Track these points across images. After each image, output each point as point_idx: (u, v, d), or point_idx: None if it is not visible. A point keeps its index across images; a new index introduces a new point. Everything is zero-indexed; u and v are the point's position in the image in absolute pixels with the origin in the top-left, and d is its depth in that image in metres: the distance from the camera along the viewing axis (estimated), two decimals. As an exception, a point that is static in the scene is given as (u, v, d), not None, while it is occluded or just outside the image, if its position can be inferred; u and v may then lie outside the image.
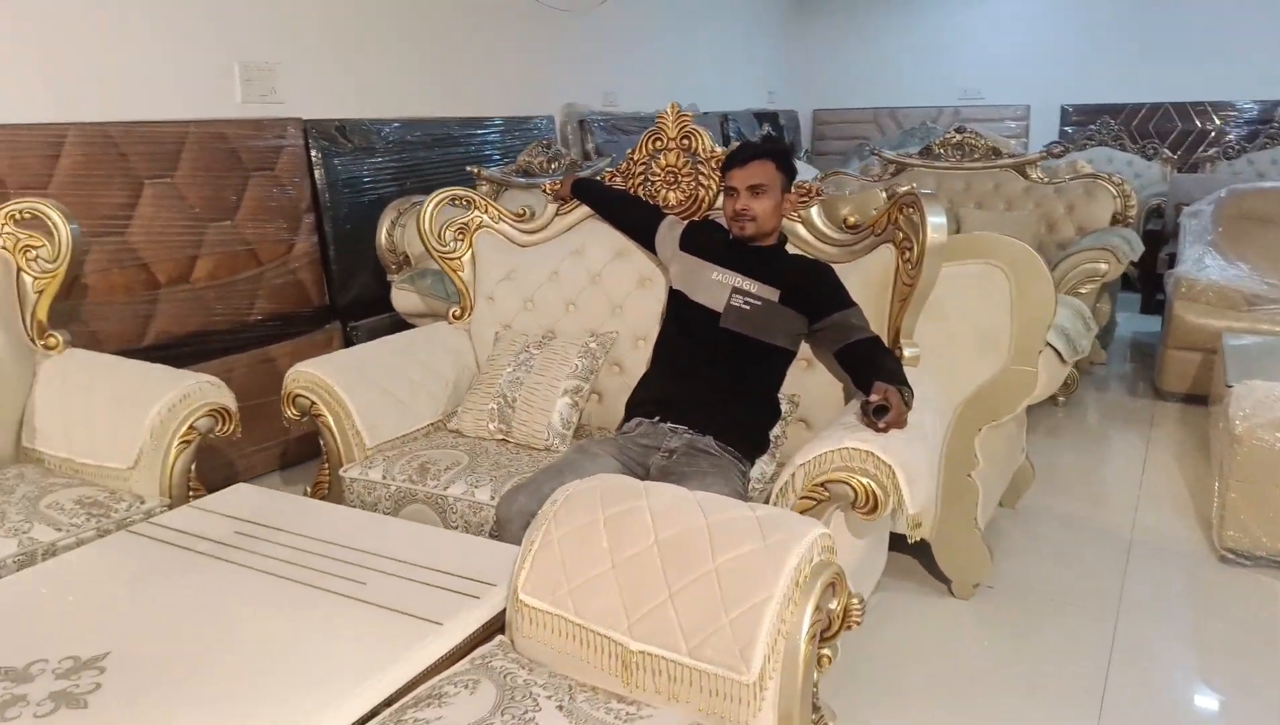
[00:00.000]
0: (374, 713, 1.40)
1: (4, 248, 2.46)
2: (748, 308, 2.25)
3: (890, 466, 1.82)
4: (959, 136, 4.99)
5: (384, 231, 3.76)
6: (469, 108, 4.59)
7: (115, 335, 3.06)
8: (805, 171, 6.48)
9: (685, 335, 2.32)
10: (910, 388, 2.01)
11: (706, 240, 2.40)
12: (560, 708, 1.37)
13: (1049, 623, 2.52)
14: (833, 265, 2.43)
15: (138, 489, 2.24)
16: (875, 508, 1.82)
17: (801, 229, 2.50)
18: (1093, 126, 7.24)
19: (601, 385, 2.62)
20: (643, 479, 2.05)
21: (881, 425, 1.87)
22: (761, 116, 7.73)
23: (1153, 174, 6.81)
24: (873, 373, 2.08)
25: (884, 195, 2.43)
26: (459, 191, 2.87)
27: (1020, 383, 2.42)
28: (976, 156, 4.90)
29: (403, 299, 3.62)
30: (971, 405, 2.46)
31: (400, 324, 3.72)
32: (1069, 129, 7.75)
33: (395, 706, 1.40)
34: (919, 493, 1.86)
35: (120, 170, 3.04)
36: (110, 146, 3.01)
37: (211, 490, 2.24)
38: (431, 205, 2.82)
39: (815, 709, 1.47)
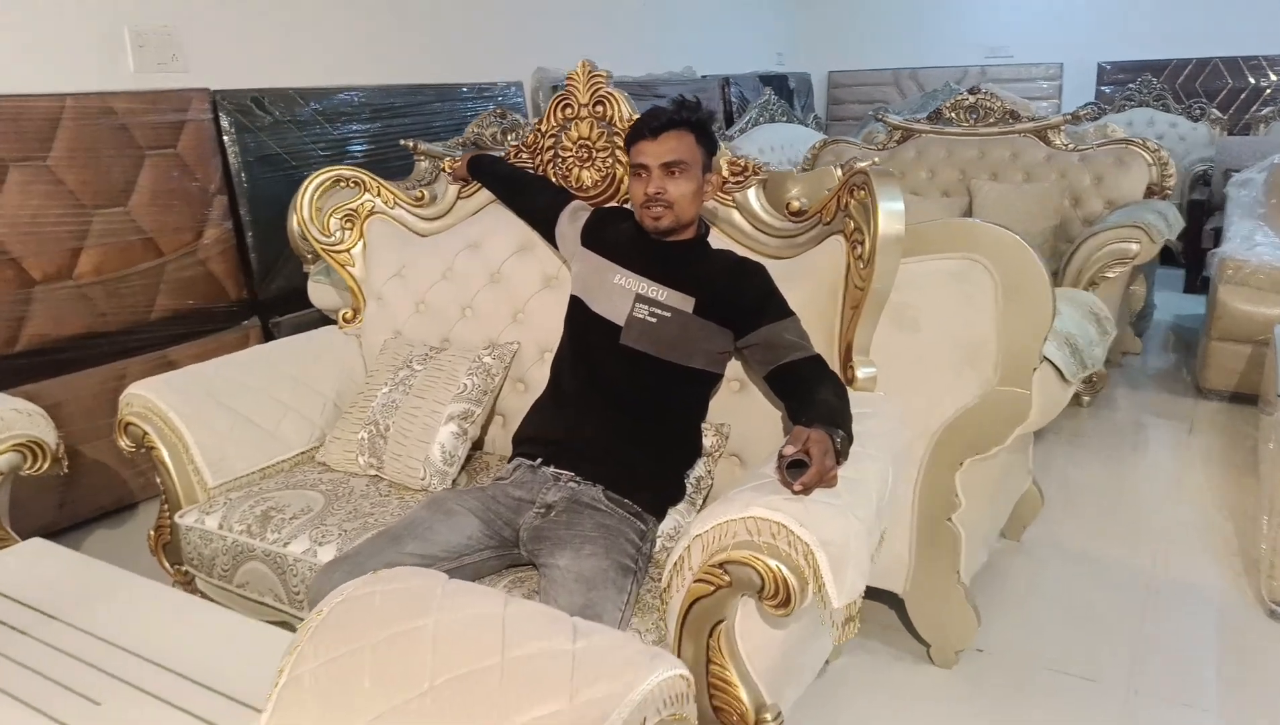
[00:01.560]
0: None
1: None
2: (654, 320, 1.78)
3: (808, 545, 1.36)
4: (972, 98, 4.44)
5: (295, 216, 3.32)
6: (419, 73, 4.12)
7: (-25, 341, 2.68)
8: (809, 138, 5.98)
9: (580, 354, 1.86)
10: (847, 431, 1.54)
11: (612, 233, 1.93)
12: None
13: (1049, 698, 2.05)
14: (773, 261, 1.96)
15: (-78, 541, 1.85)
16: (788, 600, 1.36)
17: (737, 215, 2.02)
18: (1132, 86, 6.59)
19: (505, 406, 2.18)
20: (512, 543, 1.64)
21: (797, 487, 1.40)
22: (768, 80, 7.16)
23: (1199, 137, 6.18)
24: (800, 407, 1.62)
25: (838, 172, 1.95)
26: (344, 171, 2.42)
27: (1010, 408, 1.93)
28: (992, 120, 4.35)
29: (320, 294, 3.18)
30: (950, 436, 1.98)
31: (325, 320, 3.30)
32: (1106, 88, 7.10)
33: None
34: (848, 579, 1.39)
35: (-28, 152, 2.64)
36: (-43, 124, 2.60)
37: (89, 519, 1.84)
38: (310, 189, 2.38)
39: None
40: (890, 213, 1.72)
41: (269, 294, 3.50)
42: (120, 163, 2.98)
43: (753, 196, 2.01)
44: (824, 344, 1.88)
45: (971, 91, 4.49)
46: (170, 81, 3.17)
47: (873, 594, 2.27)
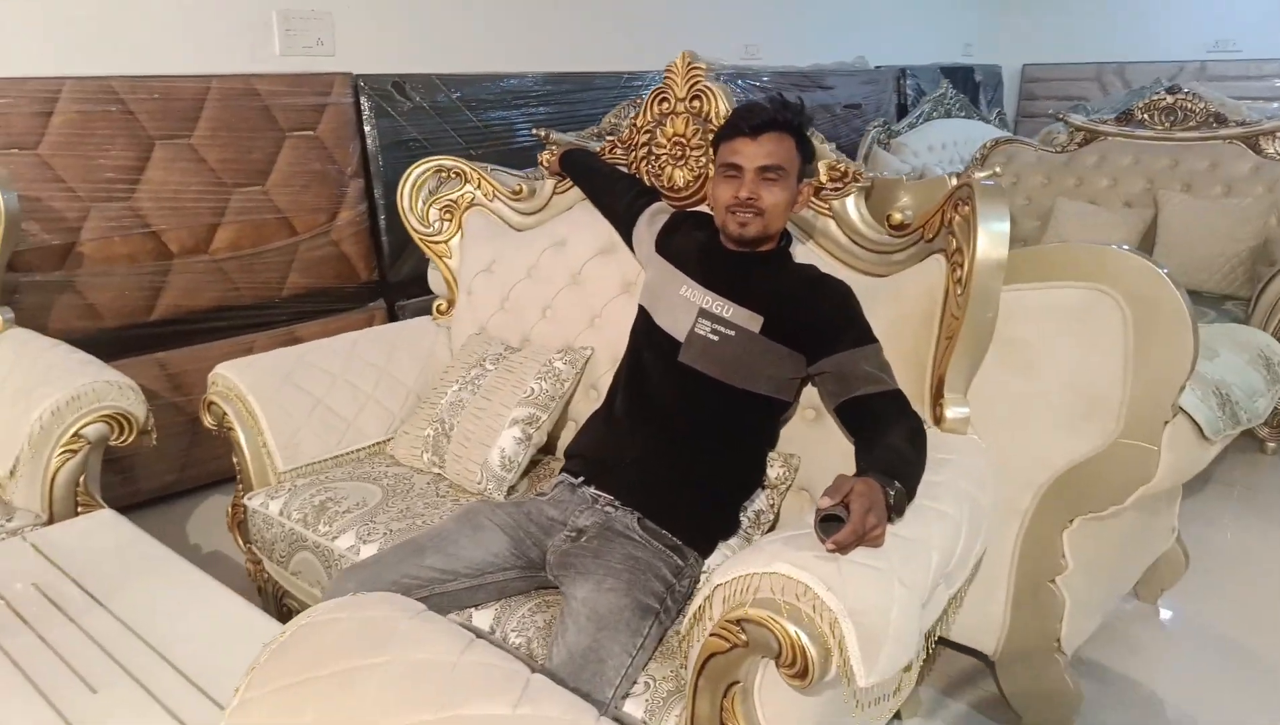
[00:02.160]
0: None
1: (-64, 216, 2.23)
2: (715, 338, 1.63)
3: (834, 613, 1.19)
4: (1170, 99, 3.97)
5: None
6: (564, 61, 4.08)
7: (116, 308, 2.84)
8: (986, 136, 5.55)
9: (636, 369, 1.73)
10: (908, 483, 1.35)
11: (685, 240, 1.78)
12: None
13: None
14: (866, 277, 1.77)
15: (17, 500, 1.96)
16: (806, 671, 1.20)
17: (833, 226, 1.84)
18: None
19: (577, 412, 2.09)
20: (540, 565, 1.55)
21: (829, 545, 1.23)
22: (951, 72, 6.72)
23: None
24: (862, 450, 1.44)
25: (952, 183, 1.72)
26: (445, 161, 2.39)
27: (1133, 464, 1.67)
28: (1192, 124, 3.88)
29: (437, 281, 3.19)
30: (1059, 490, 1.74)
31: (446, 306, 3.31)
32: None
33: None
34: (883, 657, 1.21)
35: (125, 129, 2.78)
36: (113, 102, 2.75)
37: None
38: (412, 178, 2.37)
39: None
40: (992, 234, 1.49)
41: (398, 277, 3.55)
42: (261, 143, 3.09)
43: (851, 205, 1.83)
44: (913, 377, 1.68)
45: (1170, 91, 4.02)
46: (314, 65, 3.26)
47: (966, 650, 2.04)
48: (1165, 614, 2.34)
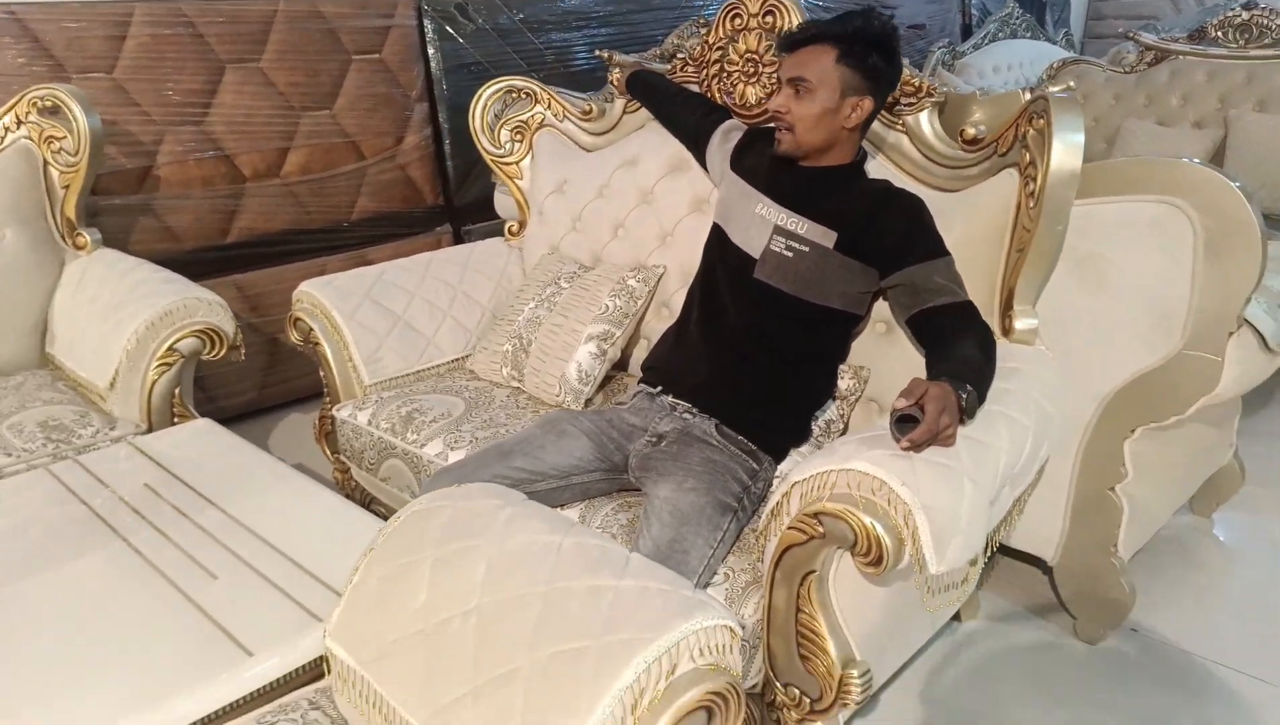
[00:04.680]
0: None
1: (28, 138, 2.33)
2: (790, 255, 1.67)
3: (908, 506, 1.26)
4: (1246, 15, 3.84)
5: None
6: (625, -19, 4.04)
7: (193, 231, 2.94)
8: (1053, 56, 5.40)
9: (711, 285, 1.78)
10: (979, 388, 1.39)
11: (759, 157, 1.81)
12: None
13: (1204, 693, 1.84)
14: (940, 193, 1.79)
15: (117, 411, 2.08)
16: (880, 559, 1.27)
17: (906, 141, 1.86)
18: None
19: (649, 329, 2.15)
20: (622, 468, 1.63)
21: (904, 443, 1.29)
22: (1017, -11, 6.52)
23: None
24: (934, 358, 1.49)
25: (1026, 97, 1.73)
26: (516, 81, 2.43)
27: (1196, 375, 1.70)
28: (1268, 41, 3.75)
29: (504, 205, 3.24)
30: (1122, 400, 1.78)
31: (511, 230, 3.37)
32: None
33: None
34: (952, 549, 1.27)
35: (196, 53, 2.84)
36: (184, 26, 2.81)
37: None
38: (483, 99, 2.40)
39: None
40: (1067, 145, 1.51)
41: (464, 201, 3.61)
42: (327, 66, 3.13)
43: (925, 121, 1.84)
44: (984, 290, 1.70)
45: (1245, 7, 3.88)
46: (378, -13, 3.28)
47: (1023, 558, 2.11)
48: (1220, 526, 2.38)
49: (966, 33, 5.93)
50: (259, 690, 1.22)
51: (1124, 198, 1.72)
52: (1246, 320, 1.69)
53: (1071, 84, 1.71)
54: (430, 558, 1.12)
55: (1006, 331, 1.69)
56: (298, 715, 1.16)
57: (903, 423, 1.30)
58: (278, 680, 1.24)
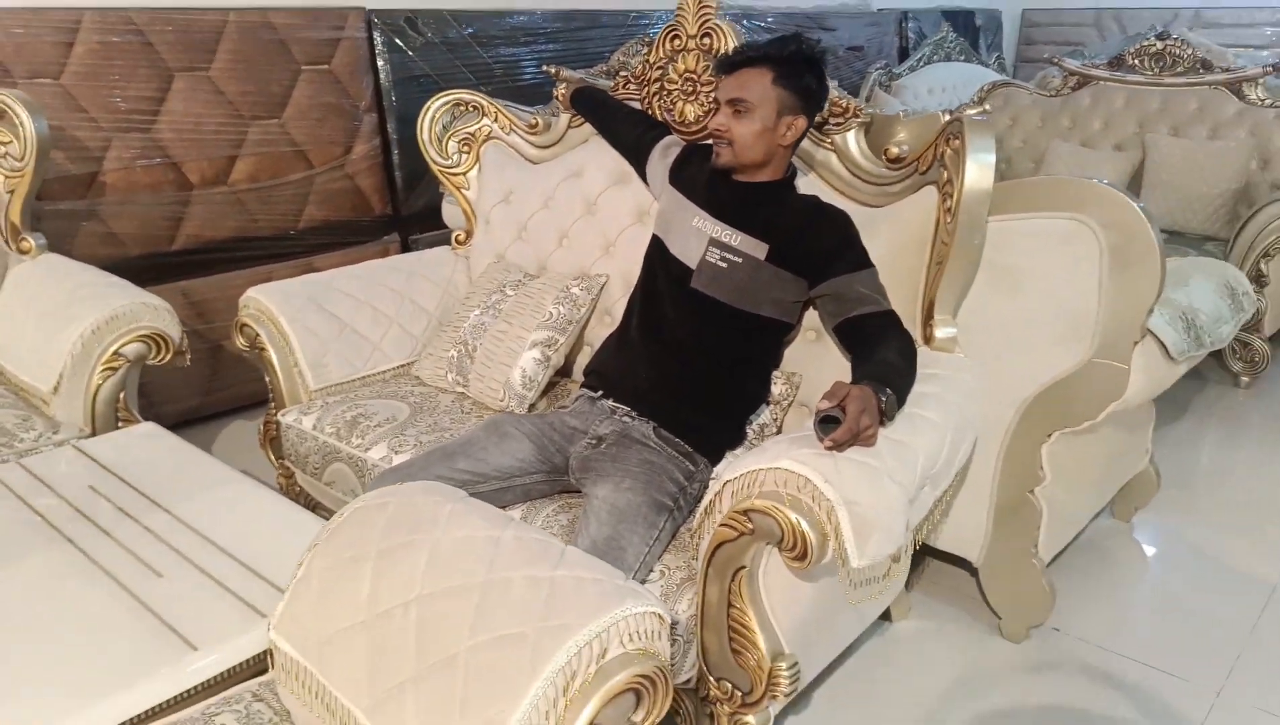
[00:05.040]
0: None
1: (-28, 144, 2.33)
2: (724, 266, 1.75)
3: (830, 502, 1.33)
4: (1160, 44, 4.04)
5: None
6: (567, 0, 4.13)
7: (139, 237, 2.94)
8: (984, 79, 5.60)
9: (650, 294, 1.86)
10: (898, 391, 1.48)
11: (696, 172, 1.89)
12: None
13: (1122, 688, 1.94)
14: (864, 208, 1.88)
15: (60, 415, 2.08)
16: (805, 554, 1.35)
17: (834, 159, 1.95)
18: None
19: (592, 336, 2.21)
20: (563, 470, 1.69)
21: (827, 442, 1.37)
22: (952, 15, 6.74)
23: None
24: (857, 363, 1.57)
25: (945, 119, 1.83)
26: (464, 95, 2.48)
27: (1105, 382, 1.81)
28: (1180, 70, 3.96)
29: (452, 214, 3.28)
30: (1039, 406, 1.88)
31: (457, 239, 3.41)
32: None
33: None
34: (873, 543, 1.35)
35: (146, 60, 2.85)
36: (134, 34, 2.81)
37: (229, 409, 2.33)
38: (431, 111, 2.45)
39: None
40: (979, 164, 1.61)
41: (411, 211, 3.65)
42: (277, 76, 3.16)
43: (852, 140, 1.93)
44: (906, 299, 1.80)
45: (1159, 37, 4.09)
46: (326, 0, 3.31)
47: (950, 560, 2.20)
48: (1138, 530, 2.50)
49: (903, 55, 6.11)
50: (203, 684, 1.25)
51: (1037, 214, 1.82)
52: (1150, 331, 1.81)
53: (987, 106, 1.83)
54: (373, 551, 1.17)
55: (928, 339, 1.78)
56: (241, 707, 1.20)
57: (825, 423, 1.38)
58: (222, 674, 1.27)
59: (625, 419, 1.74)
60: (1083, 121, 4.18)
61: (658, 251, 1.87)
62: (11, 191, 2.36)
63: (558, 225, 2.29)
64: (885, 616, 2.11)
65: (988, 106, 1.80)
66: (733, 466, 1.45)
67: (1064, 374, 1.84)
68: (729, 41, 2.04)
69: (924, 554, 2.22)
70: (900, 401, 1.49)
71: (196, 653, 1.27)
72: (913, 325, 1.79)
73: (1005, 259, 1.85)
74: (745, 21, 4.83)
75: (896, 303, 1.75)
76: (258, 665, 1.29)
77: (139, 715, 1.20)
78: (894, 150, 1.87)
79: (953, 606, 2.18)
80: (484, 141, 2.50)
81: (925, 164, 1.80)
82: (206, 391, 3.12)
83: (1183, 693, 1.91)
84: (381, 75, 3.47)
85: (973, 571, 2.13)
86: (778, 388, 1.86)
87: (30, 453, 1.89)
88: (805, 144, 1.94)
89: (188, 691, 1.24)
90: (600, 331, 2.20)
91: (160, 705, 1.22)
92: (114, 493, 1.67)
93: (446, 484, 1.57)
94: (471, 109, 2.49)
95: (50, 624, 1.33)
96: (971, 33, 7.01)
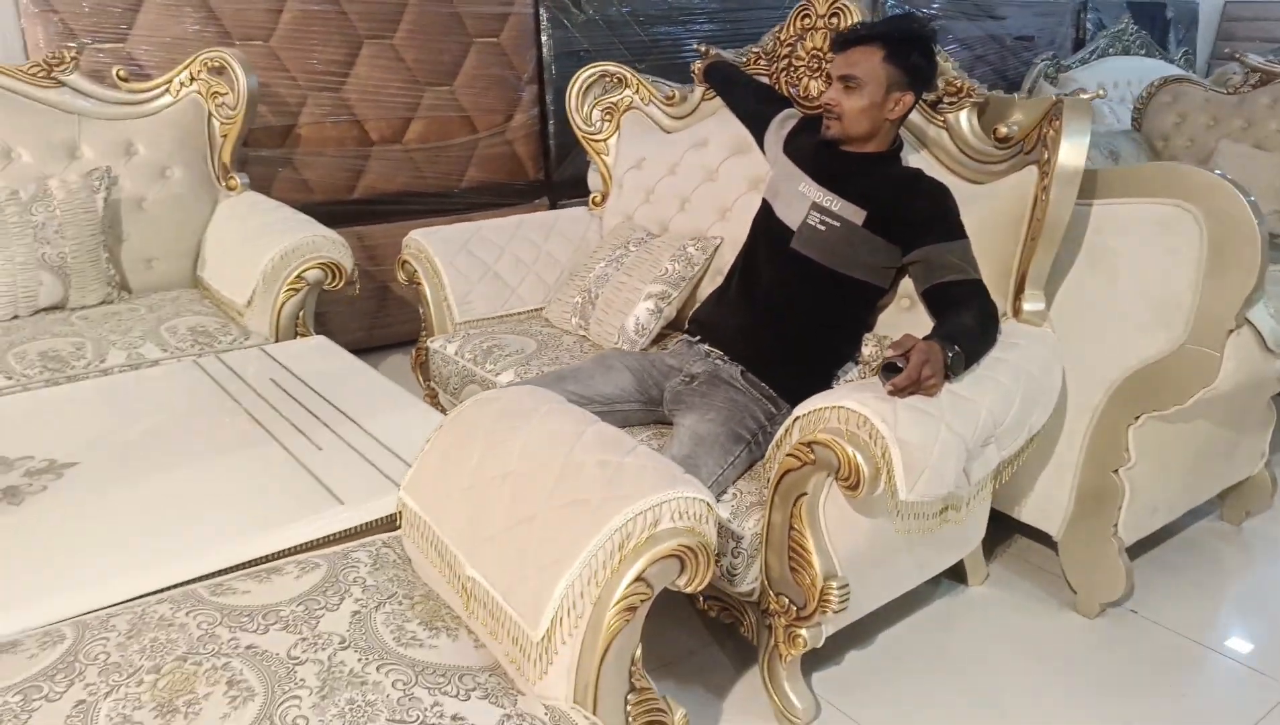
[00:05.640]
0: (232, 569, 1.43)
1: (198, 93, 2.73)
2: (823, 229, 1.90)
3: (885, 439, 1.48)
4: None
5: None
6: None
7: (325, 185, 3.33)
8: (1158, 72, 5.39)
9: (756, 252, 2.03)
10: (966, 349, 1.60)
11: (807, 142, 2.04)
12: (355, 614, 1.30)
13: (1195, 674, 1.97)
14: (968, 184, 1.99)
15: (251, 325, 2.45)
16: (857, 484, 1.50)
17: (946, 137, 2.06)
18: None
19: (704, 293, 2.38)
20: (658, 402, 1.89)
21: (888, 387, 1.51)
22: (1139, 7, 6.47)
23: None
24: (937, 323, 1.70)
25: (1052, 100, 1.90)
26: (610, 67, 2.71)
27: (1196, 368, 1.85)
28: (1373, 72, 3.75)
29: (595, 180, 3.54)
30: (1129, 388, 1.94)
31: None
32: None
33: (241, 572, 1.42)
34: (922, 481, 1.49)
35: (339, 28, 3.23)
36: (331, 3, 3.19)
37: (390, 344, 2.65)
38: (580, 80, 2.70)
39: (636, 688, 1.26)
40: (1071, 144, 1.70)
41: (561, 178, 3.92)
42: (450, 47, 3.48)
43: (964, 119, 2.03)
44: (1000, 273, 1.90)
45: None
46: (501, -24, 3.61)
47: (1034, 536, 2.27)
48: (1246, 534, 2.47)
49: (1079, 46, 5.93)
50: (346, 530, 1.53)
51: (1142, 200, 1.88)
52: (1248, 320, 1.84)
53: (1101, 90, 1.89)
54: (483, 433, 1.41)
55: (1016, 312, 1.88)
56: (373, 550, 1.46)
57: (888, 370, 1.53)
58: (361, 525, 1.55)
59: (717, 362, 1.92)
60: (1259, 122, 4.01)
61: (764, 214, 2.04)
62: (225, 136, 2.76)
63: (680, 191, 2.49)
64: (961, 580, 2.21)
65: (1101, 90, 1.87)
66: (802, 406, 1.61)
67: (1155, 357, 1.89)
68: (855, 19, 2.17)
69: (1009, 527, 2.29)
70: (970, 361, 1.61)
71: (343, 506, 1.55)
72: (1004, 298, 1.89)
73: (1106, 241, 1.92)
74: (907, 7, 4.86)
75: (990, 276, 1.86)
76: (389, 524, 1.56)
77: (298, 545, 1.49)
78: (1003, 130, 1.96)
79: (1029, 580, 2.25)
80: (625, 111, 2.72)
81: (1030, 144, 1.89)
82: (371, 326, 3.50)
83: (1254, 684, 1.93)
84: (544, 49, 3.75)
85: (1054, 548, 2.20)
86: (868, 349, 1.97)
87: (226, 351, 2.26)
88: (918, 120, 2.06)
89: (334, 534, 1.52)
90: (711, 289, 2.39)
91: (313, 541, 1.50)
92: (289, 385, 1.99)
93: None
94: (616, 80, 2.71)
95: (235, 475, 1.65)
96: (1161, 26, 6.71)
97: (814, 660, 1.87)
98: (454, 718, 1.14)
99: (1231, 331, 1.82)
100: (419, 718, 1.13)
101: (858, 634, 1.97)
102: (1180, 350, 1.86)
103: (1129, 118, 4.50)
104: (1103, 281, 1.95)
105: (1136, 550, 2.25)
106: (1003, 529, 2.29)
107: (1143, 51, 5.86)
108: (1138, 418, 1.96)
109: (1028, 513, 2.18)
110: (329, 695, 1.14)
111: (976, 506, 1.94)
